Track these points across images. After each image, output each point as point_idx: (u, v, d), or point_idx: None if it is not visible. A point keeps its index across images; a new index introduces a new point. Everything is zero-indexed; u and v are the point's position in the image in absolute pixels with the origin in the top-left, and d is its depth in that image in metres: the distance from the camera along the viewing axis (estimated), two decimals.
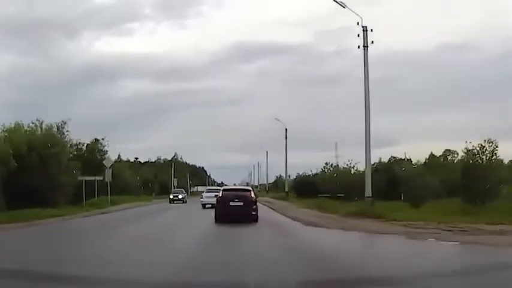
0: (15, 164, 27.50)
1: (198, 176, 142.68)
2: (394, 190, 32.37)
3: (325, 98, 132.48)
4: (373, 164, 30.65)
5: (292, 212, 30.14)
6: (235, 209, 21.52)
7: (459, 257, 12.42)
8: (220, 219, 21.52)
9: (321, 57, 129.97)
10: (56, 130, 35.08)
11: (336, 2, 25.34)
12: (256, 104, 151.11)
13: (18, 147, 28.87)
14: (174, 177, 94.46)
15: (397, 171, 36.57)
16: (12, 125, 32.38)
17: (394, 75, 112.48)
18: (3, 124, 32.23)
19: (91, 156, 45.04)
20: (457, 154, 38.45)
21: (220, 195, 22.68)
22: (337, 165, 49.89)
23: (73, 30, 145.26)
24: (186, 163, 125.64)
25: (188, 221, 24.97)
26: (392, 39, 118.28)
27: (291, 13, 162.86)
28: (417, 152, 75.38)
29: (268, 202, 47.41)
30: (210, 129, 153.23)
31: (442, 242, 13.96)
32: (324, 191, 43.14)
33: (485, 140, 23.66)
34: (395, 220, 20.43)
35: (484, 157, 23.72)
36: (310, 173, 59.96)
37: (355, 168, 40.32)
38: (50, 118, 41.30)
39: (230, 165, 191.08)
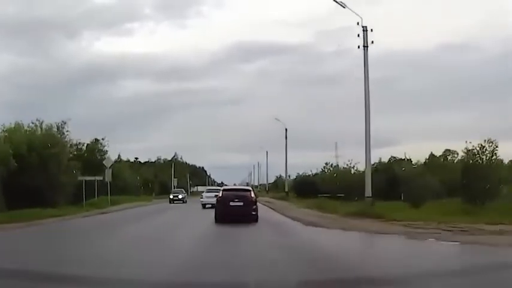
0: (15, 164, 27.52)
1: (198, 176, 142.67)
2: (394, 190, 32.36)
3: (325, 98, 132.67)
4: (373, 164, 30.66)
5: (292, 212, 30.13)
6: (235, 209, 21.52)
7: (459, 257, 12.42)
8: (220, 219, 21.52)
9: (321, 57, 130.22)
10: (56, 130, 35.12)
11: (336, 2, 25.34)
12: (256, 104, 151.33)
13: (18, 147, 28.88)
14: (174, 177, 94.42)
15: (397, 171, 36.55)
16: (12, 125, 32.44)
17: (394, 75, 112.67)
18: (3, 124, 32.35)
19: (91, 156, 45.05)
20: (457, 154, 38.55)
21: (220, 195, 22.68)
22: (337, 165, 49.96)
23: (73, 30, 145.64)
24: (186, 163, 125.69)
25: (188, 221, 24.96)
26: (392, 39, 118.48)
27: (291, 13, 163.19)
28: (417, 152, 75.46)
29: (268, 202, 47.40)
30: (210, 129, 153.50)
31: (442, 242, 13.96)
32: (324, 191, 43.13)
33: (485, 140, 23.70)
34: (395, 220, 20.43)
35: (484, 157, 23.72)
36: (310, 173, 60.09)
37: (355, 168, 40.41)
38: (50, 118, 41.47)
39: (230, 165, 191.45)
